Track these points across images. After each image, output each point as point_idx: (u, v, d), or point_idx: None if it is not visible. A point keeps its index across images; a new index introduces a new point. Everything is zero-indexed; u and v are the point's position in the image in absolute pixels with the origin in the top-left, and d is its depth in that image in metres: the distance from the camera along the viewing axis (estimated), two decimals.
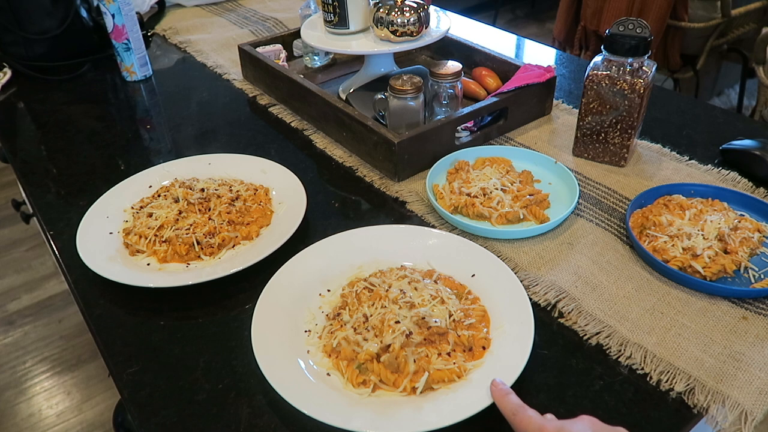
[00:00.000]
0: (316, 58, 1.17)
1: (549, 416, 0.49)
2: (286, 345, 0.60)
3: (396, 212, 0.81)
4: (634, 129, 0.83)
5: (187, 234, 0.72)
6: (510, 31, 1.36)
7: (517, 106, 0.94)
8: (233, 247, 0.74)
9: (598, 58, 0.82)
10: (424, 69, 0.99)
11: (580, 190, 0.80)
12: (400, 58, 1.18)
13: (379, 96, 0.92)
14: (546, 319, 0.64)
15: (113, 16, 1.12)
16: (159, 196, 0.79)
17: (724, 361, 0.58)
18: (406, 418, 0.52)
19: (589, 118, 0.85)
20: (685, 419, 0.54)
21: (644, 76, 0.79)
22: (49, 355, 1.72)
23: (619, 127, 0.83)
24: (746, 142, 0.85)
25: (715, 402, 0.55)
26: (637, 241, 0.70)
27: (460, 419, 0.51)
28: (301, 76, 1.01)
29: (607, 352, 0.60)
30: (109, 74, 1.23)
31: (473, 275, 0.67)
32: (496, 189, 0.78)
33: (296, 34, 1.19)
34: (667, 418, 0.54)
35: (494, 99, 0.91)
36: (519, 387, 0.54)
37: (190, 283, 0.67)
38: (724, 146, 0.88)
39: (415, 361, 0.56)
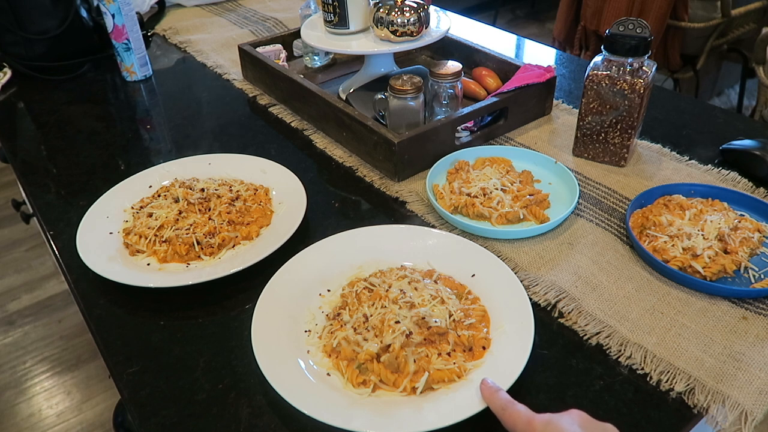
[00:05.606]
0: (316, 58, 1.17)
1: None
2: (286, 345, 0.60)
3: (396, 212, 0.81)
4: (634, 129, 0.83)
5: (187, 234, 0.72)
6: (510, 31, 1.36)
7: (517, 106, 0.94)
8: (233, 247, 0.74)
9: (598, 58, 0.82)
10: (424, 69, 0.99)
11: (580, 190, 0.80)
12: (400, 58, 1.18)
13: (379, 96, 0.92)
14: (546, 319, 0.64)
15: (113, 16, 1.12)
16: (159, 196, 0.79)
17: (724, 361, 0.58)
18: (406, 418, 0.52)
19: (589, 118, 0.85)
20: (685, 419, 0.54)
21: (644, 76, 0.79)
22: (49, 355, 1.72)
23: (619, 127, 0.83)
24: (746, 142, 0.85)
25: (715, 402, 0.55)
26: (637, 241, 0.70)
27: (460, 419, 0.51)
28: (301, 76, 1.01)
29: (607, 352, 0.60)
30: (109, 74, 1.23)
31: (473, 275, 0.67)
32: (496, 189, 0.78)
33: (296, 34, 1.19)
34: (667, 418, 0.54)
35: (494, 99, 0.91)
36: (519, 387, 0.54)
37: (190, 283, 0.67)
38: (724, 146, 0.88)
39: (415, 361, 0.55)
